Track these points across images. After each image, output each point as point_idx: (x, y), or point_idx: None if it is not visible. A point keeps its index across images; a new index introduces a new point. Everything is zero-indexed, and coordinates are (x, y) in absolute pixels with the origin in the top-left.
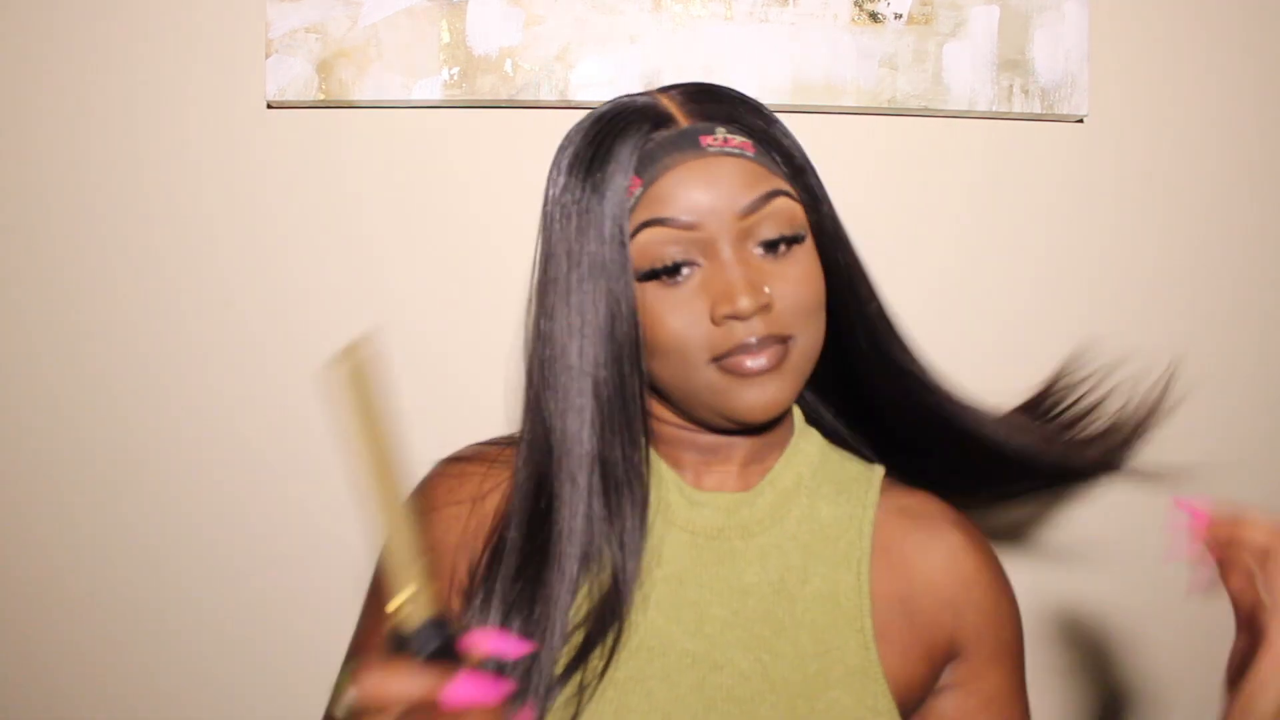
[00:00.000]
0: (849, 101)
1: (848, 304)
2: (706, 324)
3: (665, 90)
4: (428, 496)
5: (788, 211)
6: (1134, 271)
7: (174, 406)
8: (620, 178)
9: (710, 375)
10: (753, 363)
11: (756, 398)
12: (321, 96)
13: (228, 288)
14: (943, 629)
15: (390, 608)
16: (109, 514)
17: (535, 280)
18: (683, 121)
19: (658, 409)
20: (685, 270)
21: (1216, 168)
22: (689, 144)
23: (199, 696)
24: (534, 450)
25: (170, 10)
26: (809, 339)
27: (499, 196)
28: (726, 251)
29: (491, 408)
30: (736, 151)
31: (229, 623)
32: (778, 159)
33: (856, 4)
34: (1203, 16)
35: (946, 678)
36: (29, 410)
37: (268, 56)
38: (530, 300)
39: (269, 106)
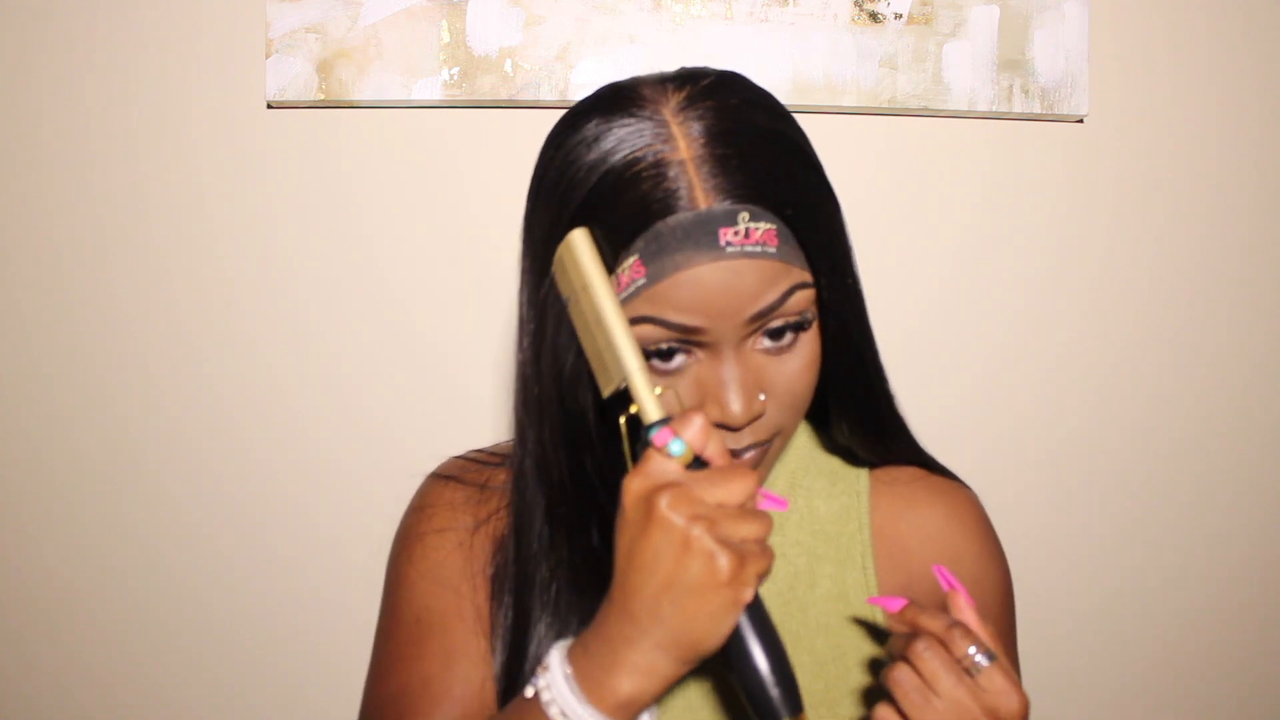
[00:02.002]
0: (849, 101)
1: (845, 360)
2: None
3: (685, 113)
4: (426, 517)
5: (802, 302)
6: (1134, 271)
7: (174, 406)
8: (629, 257)
9: None
10: (741, 465)
11: None
12: (321, 96)
13: (228, 288)
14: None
15: (635, 407)
16: (109, 514)
17: (523, 296)
18: (701, 201)
19: None
20: (677, 358)
21: (1216, 167)
22: (707, 241)
23: (199, 697)
24: (523, 479)
25: (170, 10)
26: (792, 427)
27: (499, 196)
28: (728, 351)
29: (491, 407)
30: (758, 250)
31: (229, 623)
32: (803, 236)
33: (856, 4)
34: (1203, 16)
35: None
36: (29, 410)
37: (268, 56)
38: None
39: (269, 106)
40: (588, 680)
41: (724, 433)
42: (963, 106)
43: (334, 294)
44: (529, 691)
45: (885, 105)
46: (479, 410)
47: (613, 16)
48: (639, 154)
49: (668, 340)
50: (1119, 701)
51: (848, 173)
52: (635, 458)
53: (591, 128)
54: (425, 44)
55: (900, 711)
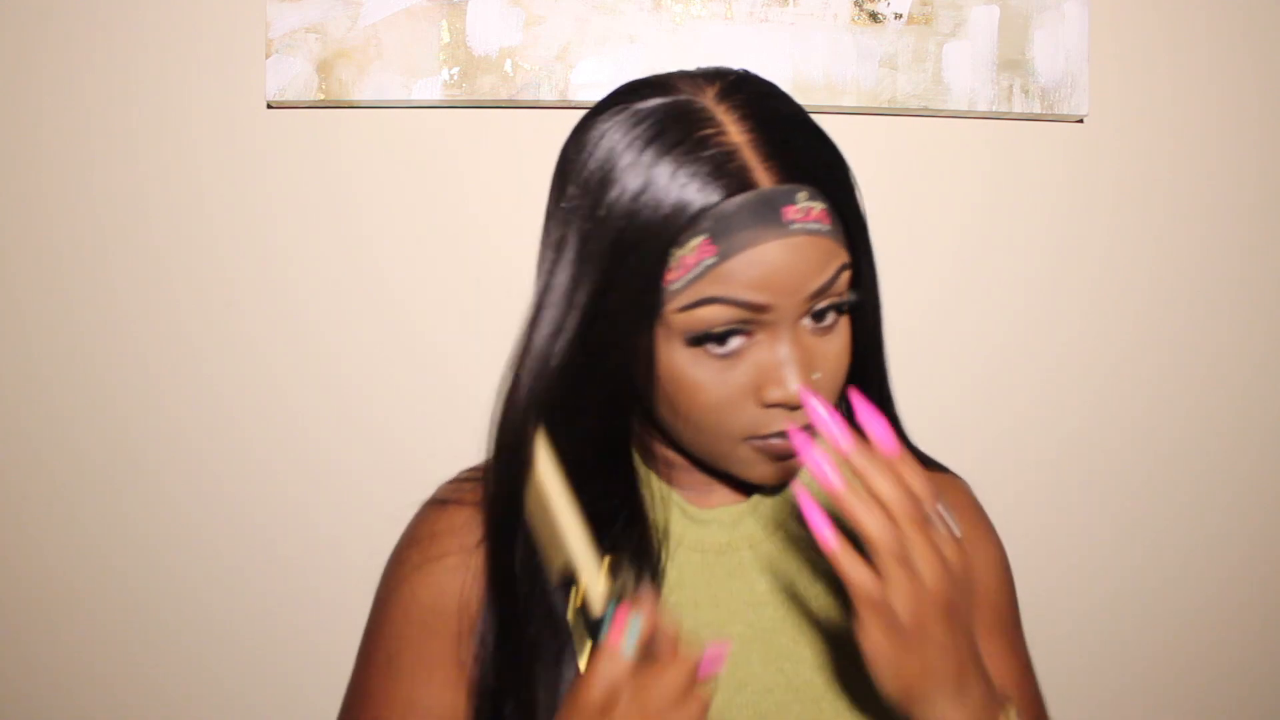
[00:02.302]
0: (849, 101)
1: (866, 346)
2: (748, 403)
3: (726, 102)
4: (421, 549)
5: (845, 282)
6: (1134, 271)
7: (174, 406)
8: (697, 238)
9: (741, 451)
10: (786, 449)
11: (777, 474)
12: (321, 96)
13: (228, 288)
14: None
15: (575, 598)
16: (109, 514)
17: (547, 246)
18: (763, 180)
19: (657, 442)
20: (734, 340)
21: (1216, 167)
22: (772, 218)
23: (199, 697)
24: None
25: (171, 10)
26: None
27: (499, 196)
28: (784, 331)
29: (490, 407)
30: (816, 227)
31: (229, 623)
32: (846, 217)
33: (856, 4)
34: (1203, 16)
35: None
36: (29, 410)
37: (268, 56)
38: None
39: (269, 106)
40: None
41: (782, 412)
42: (963, 106)
43: (334, 294)
44: None
45: (885, 105)
46: (479, 410)
47: (613, 16)
48: (697, 138)
49: (731, 321)
50: (1119, 701)
51: None
52: (587, 641)
53: (632, 118)
54: (425, 44)
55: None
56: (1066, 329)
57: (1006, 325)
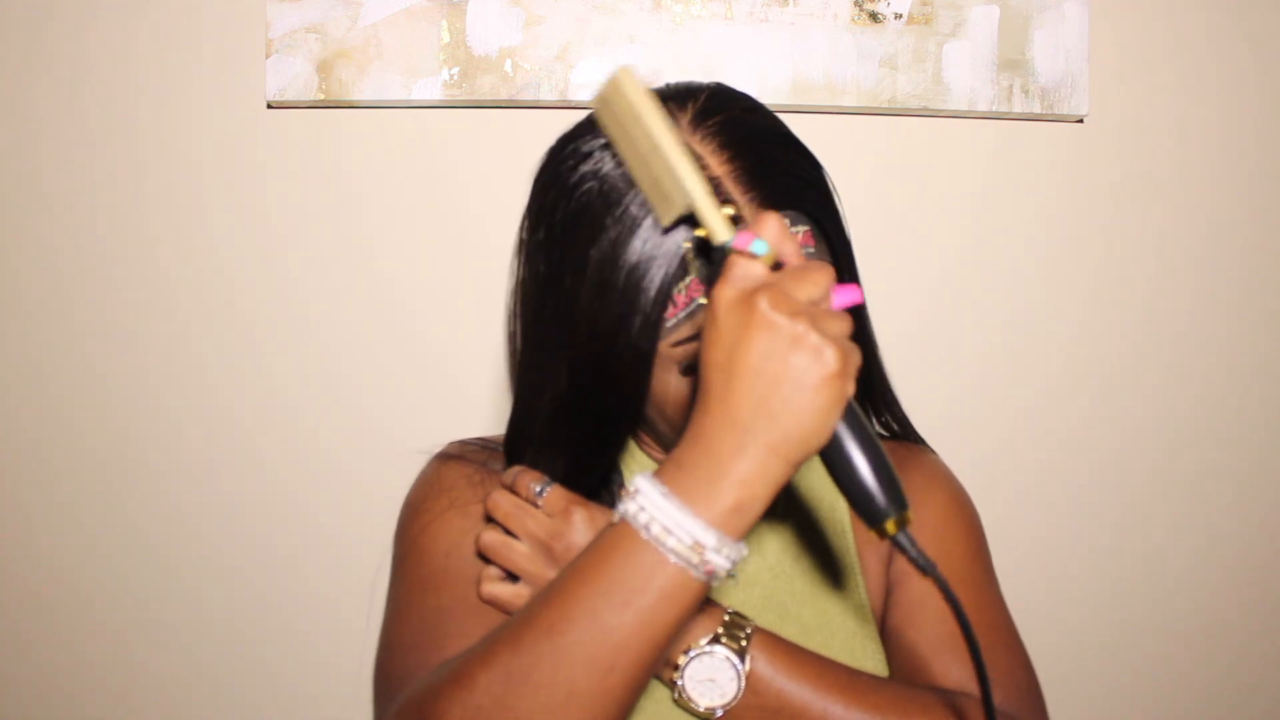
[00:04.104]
0: (849, 101)
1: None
2: None
3: (701, 130)
4: (435, 492)
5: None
6: (1133, 271)
7: (174, 406)
8: (687, 278)
9: None
10: None
11: None
12: (321, 96)
13: (228, 287)
14: (887, 546)
15: (694, 237)
16: (109, 514)
17: (529, 282)
18: (746, 214)
19: (644, 438)
20: None
21: (1216, 167)
22: None
23: (199, 696)
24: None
25: (170, 10)
26: None
27: (499, 196)
28: None
29: (491, 406)
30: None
31: (229, 622)
32: (828, 234)
33: (856, 4)
34: (1203, 16)
35: (891, 575)
36: (29, 410)
37: (268, 56)
38: (520, 303)
39: (269, 106)
40: (689, 494)
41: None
42: (963, 106)
43: (334, 293)
44: (614, 517)
45: (885, 105)
46: (478, 408)
47: (613, 16)
48: None
49: None
50: (1119, 701)
51: (848, 173)
52: (708, 281)
53: (613, 156)
54: (425, 44)
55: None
56: (1066, 328)
57: (1006, 325)
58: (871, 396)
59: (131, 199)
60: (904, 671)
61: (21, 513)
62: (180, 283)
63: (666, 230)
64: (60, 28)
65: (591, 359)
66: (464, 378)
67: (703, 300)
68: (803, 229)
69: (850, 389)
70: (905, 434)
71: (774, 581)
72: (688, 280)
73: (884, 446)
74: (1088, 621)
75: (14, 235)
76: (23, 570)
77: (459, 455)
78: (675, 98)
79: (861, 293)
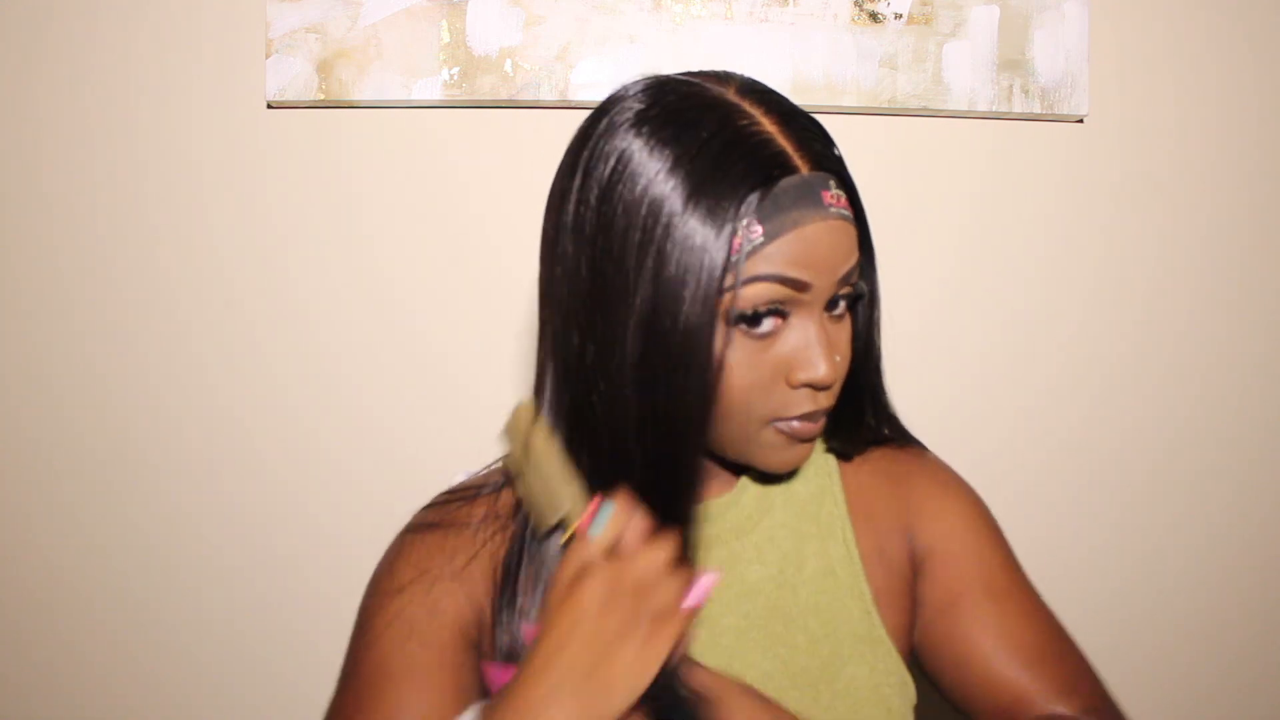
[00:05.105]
0: (849, 101)
1: (864, 340)
2: (778, 385)
3: (749, 97)
4: (397, 572)
5: (858, 271)
6: (1133, 271)
7: (174, 406)
8: (743, 219)
9: (765, 435)
10: (807, 431)
11: (793, 459)
12: (321, 96)
13: (228, 287)
14: (904, 559)
15: (566, 528)
16: (109, 514)
17: (575, 287)
18: (803, 168)
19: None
20: (767, 322)
21: (1216, 167)
22: (814, 201)
23: (199, 696)
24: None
25: (170, 10)
26: (837, 396)
27: (499, 196)
28: (814, 314)
29: (492, 407)
30: (845, 214)
31: (229, 623)
32: (855, 208)
33: (856, 4)
34: (1203, 16)
35: (923, 595)
36: (29, 410)
37: (268, 56)
38: (561, 302)
39: (269, 106)
40: None
41: (807, 394)
42: (963, 106)
43: (334, 294)
44: None
45: (885, 105)
46: (478, 408)
47: (613, 16)
48: (740, 125)
49: (773, 300)
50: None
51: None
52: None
53: (662, 112)
54: (425, 44)
55: None
56: (1066, 328)
57: (1006, 325)
58: (875, 409)
59: (131, 199)
60: (987, 693)
61: (21, 513)
62: (180, 283)
63: (544, 536)
64: (60, 28)
65: (656, 319)
66: (464, 378)
67: (760, 240)
68: (843, 193)
69: (661, 649)
70: (901, 438)
71: (777, 591)
72: (743, 224)
73: (882, 452)
74: (1088, 621)
75: (14, 235)
76: (23, 570)
77: (429, 524)
78: (717, 76)
79: (719, 575)
